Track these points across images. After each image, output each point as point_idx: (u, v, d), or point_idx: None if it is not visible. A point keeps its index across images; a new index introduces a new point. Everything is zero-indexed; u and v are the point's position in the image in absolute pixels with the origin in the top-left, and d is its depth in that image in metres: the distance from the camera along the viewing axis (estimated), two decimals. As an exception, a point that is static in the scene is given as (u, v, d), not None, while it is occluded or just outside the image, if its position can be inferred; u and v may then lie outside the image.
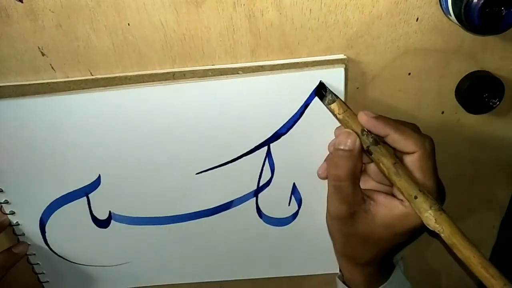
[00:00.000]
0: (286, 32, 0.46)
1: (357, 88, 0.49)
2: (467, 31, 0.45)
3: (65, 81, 0.48)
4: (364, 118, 0.43)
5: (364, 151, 0.43)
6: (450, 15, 0.41)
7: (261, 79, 0.46)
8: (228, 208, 0.54)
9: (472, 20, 0.38)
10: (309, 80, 0.46)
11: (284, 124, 0.48)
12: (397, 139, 0.42)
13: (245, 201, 0.54)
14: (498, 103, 0.47)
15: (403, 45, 0.46)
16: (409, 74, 0.48)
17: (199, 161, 0.51)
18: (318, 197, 0.51)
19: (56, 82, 0.48)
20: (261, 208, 0.54)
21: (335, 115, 0.45)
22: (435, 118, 0.51)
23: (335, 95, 0.45)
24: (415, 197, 0.40)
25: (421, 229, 0.42)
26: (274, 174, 0.52)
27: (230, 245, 0.58)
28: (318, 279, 0.61)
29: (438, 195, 0.42)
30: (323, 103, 0.45)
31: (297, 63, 0.46)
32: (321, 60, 0.46)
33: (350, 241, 0.47)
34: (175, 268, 0.60)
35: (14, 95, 0.48)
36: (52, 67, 0.47)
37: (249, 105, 0.47)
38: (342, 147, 0.43)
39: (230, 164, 0.51)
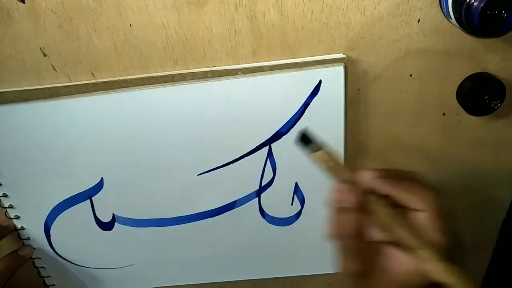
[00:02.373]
0: (288, 34, 0.46)
1: (359, 89, 0.49)
2: (467, 34, 0.45)
3: (66, 86, 0.48)
4: (367, 179, 0.39)
5: None
6: (451, 18, 0.41)
7: (260, 79, 0.46)
8: (231, 209, 0.54)
9: (473, 23, 0.38)
10: (309, 79, 0.46)
11: (284, 124, 0.48)
12: (403, 198, 0.38)
13: (247, 201, 0.54)
14: (499, 105, 0.47)
15: (404, 46, 0.46)
16: (410, 75, 0.48)
17: (201, 162, 0.51)
18: (320, 197, 0.51)
19: (58, 87, 0.48)
20: (264, 208, 0.54)
21: (320, 164, 0.41)
22: (436, 119, 0.51)
23: (320, 143, 0.41)
24: (420, 248, 0.37)
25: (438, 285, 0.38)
26: (276, 174, 0.52)
27: (233, 246, 0.58)
28: (321, 279, 0.61)
29: (448, 246, 0.39)
30: (306, 152, 0.41)
31: (297, 63, 0.46)
32: (321, 60, 0.46)
33: None
34: (179, 270, 0.60)
35: (16, 100, 0.48)
36: (54, 68, 0.47)
37: (249, 106, 0.47)
38: (342, 205, 0.39)
39: (232, 165, 0.51)
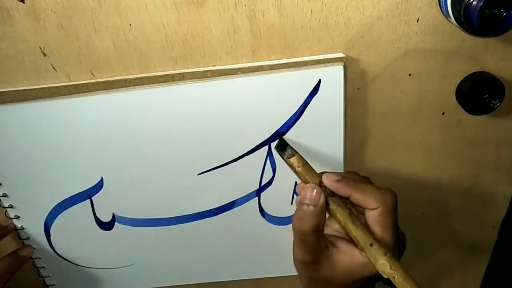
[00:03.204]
0: (287, 33, 0.46)
1: (358, 88, 0.49)
2: (467, 33, 0.45)
3: (66, 85, 0.48)
4: (326, 182, 0.44)
5: None
6: (450, 18, 0.41)
7: (260, 78, 0.46)
8: (231, 208, 0.54)
9: (472, 22, 0.38)
10: (308, 79, 0.46)
11: (284, 123, 0.48)
12: (359, 198, 0.43)
13: (247, 201, 0.54)
14: (498, 104, 0.47)
15: (404, 46, 0.46)
16: (410, 75, 0.48)
17: (201, 162, 0.51)
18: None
19: (57, 87, 0.48)
20: (264, 208, 0.54)
21: (293, 169, 0.47)
22: (436, 119, 0.51)
23: (294, 149, 0.47)
24: (371, 245, 0.42)
25: (376, 277, 0.43)
26: (276, 173, 0.52)
27: (233, 245, 0.58)
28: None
29: (396, 246, 0.44)
30: (282, 157, 0.48)
31: (296, 62, 0.46)
32: (320, 59, 0.46)
33: (314, 283, 0.48)
34: (179, 269, 0.60)
35: (15, 100, 0.48)
36: (54, 67, 0.48)
37: (249, 105, 0.47)
38: (307, 202, 0.44)
39: (231, 164, 0.51)
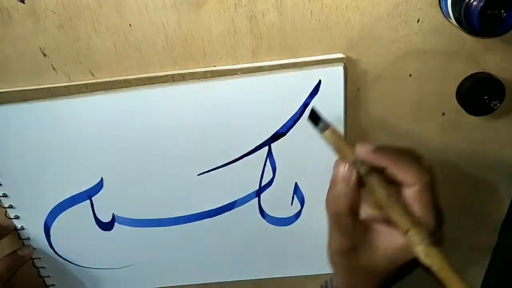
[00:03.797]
0: (287, 34, 0.46)
1: (358, 89, 0.49)
2: (467, 34, 0.45)
3: (65, 86, 0.48)
4: (362, 151, 0.41)
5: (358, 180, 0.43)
6: (450, 18, 0.41)
7: (260, 79, 0.46)
8: (231, 209, 0.54)
9: (472, 23, 0.38)
10: (308, 79, 0.46)
11: (284, 124, 0.48)
12: (396, 172, 0.41)
13: (247, 202, 0.54)
14: (498, 104, 0.47)
15: (404, 46, 0.46)
16: (410, 75, 0.48)
17: (201, 163, 0.51)
18: (320, 196, 0.51)
19: (57, 87, 0.48)
20: (264, 208, 0.54)
21: (328, 143, 0.44)
22: (436, 119, 0.51)
23: (327, 122, 0.44)
24: (408, 231, 0.40)
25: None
26: (276, 174, 0.52)
27: (233, 246, 0.58)
28: (321, 279, 0.61)
29: (437, 226, 0.41)
30: (316, 130, 0.44)
31: (296, 63, 0.46)
32: (320, 60, 0.46)
33: (354, 274, 0.46)
34: (179, 270, 0.60)
35: (16, 100, 0.48)
36: (54, 68, 0.48)
37: (249, 106, 0.47)
38: (340, 180, 0.42)
39: (231, 165, 0.51)
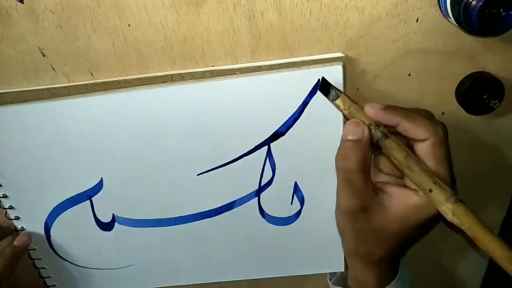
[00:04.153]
0: (286, 33, 0.46)
1: (357, 89, 0.49)
2: (466, 33, 0.45)
3: (65, 86, 0.48)
4: (371, 110, 0.41)
5: (374, 146, 0.42)
6: (449, 18, 0.41)
7: (259, 78, 0.46)
8: (231, 209, 0.54)
9: (471, 22, 0.38)
10: (307, 78, 0.46)
11: (283, 123, 0.48)
12: (408, 127, 0.40)
13: (247, 201, 0.54)
14: (498, 104, 0.47)
15: (403, 46, 0.46)
16: (409, 75, 0.48)
17: (200, 162, 0.51)
18: (320, 196, 0.51)
19: (56, 87, 0.48)
20: (264, 208, 0.54)
21: (341, 111, 0.44)
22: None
23: (338, 90, 0.43)
24: (430, 190, 0.39)
25: (437, 218, 0.40)
26: (276, 173, 0.52)
27: (233, 246, 0.58)
28: (321, 279, 0.61)
29: (455, 181, 0.41)
30: (328, 100, 0.44)
31: (295, 62, 0.46)
32: (319, 59, 0.46)
33: (363, 238, 0.45)
34: (179, 270, 0.60)
35: (15, 101, 0.48)
36: (53, 68, 0.48)
37: (248, 105, 0.47)
38: (350, 137, 0.41)
39: (231, 165, 0.51)
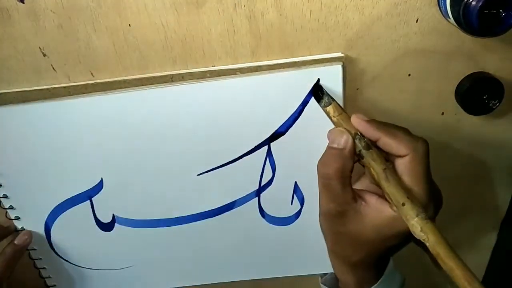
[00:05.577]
0: (287, 33, 0.46)
1: (357, 89, 0.49)
2: (466, 33, 0.45)
3: (65, 86, 0.48)
4: (356, 121, 0.43)
5: (356, 155, 0.43)
6: (449, 18, 0.41)
7: (259, 78, 0.46)
8: (231, 209, 0.54)
9: (471, 22, 0.38)
10: (307, 78, 0.46)
11: (283, 123, 0.48)
12: (388, 142, 0.41)
13: (247, 201, 0.54)
14: (498, 104, 0.47)
15: (403, 46, 0.46)
16: (409, 75, 0.48)
17: (200, 163, 0.51)
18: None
19: (57, 88, 0.48)
20: (264, 208, 0.54)
21: (330, 118, 0.45)
22: (435, 119, 0.51)
23: (331, 97, 0.45)
24: (403, 204, 0.40)
25: (410, 235, 0.41)
26: (276, 173, 0.52)
27: (233, 246, 0.58)
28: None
29: (430, 200, 0.42)
30: (319, 105, 0.45)
31: (295, 62, 0.46)
32: (319, 59, 0.46)
33: (340, 240, 0.46)
34: (179, 271, 0.60)
35: (15, 101, 0.48)
36: (53, 68, 0.48)
37: (248, 105, 0.47)
38: (332, 145, 0.43)
39: (231, 165, 0.51)
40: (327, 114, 0.45)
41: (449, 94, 0.49)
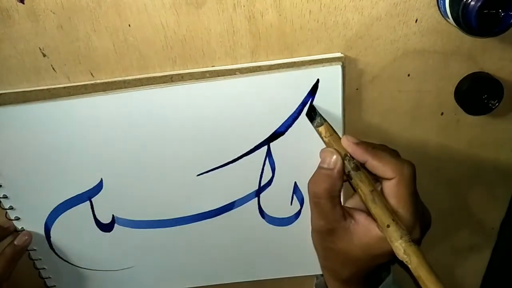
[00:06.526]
0: (286, 33, 0.46)
1: (357, 89, 0.49)
2: (465, 33, 0.45)
3: (65, 87, 0.48)
4: (345, 142, 0.44)
5: (346, 175, 0.44)
6: (448, 18, 0.42)
7: (258, 78, 0.46)
8: (230, 209, 0.54)
9: (470, 22, 0.38)
10: (306, 78, 0.46)
11: (283, 123, 0.48)
12: (375, 165, 0.42)
13: (247, 202, 0.54)
14: (497, 104, 0.47)
15: (402, 46, 0.47)
16: (409, 75, 0.48)
17: (200, 163, 0.51)
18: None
19: (57, 88, 0.48)
20: (263, 208, 0.54)
21: (321, 138, 0.46)
22: (435, 119, 0.51)
23: (323, 118, 0.46)
24: (388, 226, 0.41)
25: (395, 255, 0.42)
26: (275, 173, 0.52)
27: (233, 246, 0.58)
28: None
29: (416, 222, 0.43)
30: (312, 125, 0.47)
31: (295, 62, 0.46)
32: (318, 59, 0.46)
33: (330, 256, 0.47)
34: (179, 271, 0.60)
35: (15, 102, 0.48)
36: (53, 68, 0.48)
37: (247, 105, 0.47)
38: (322, 165, 0.44)
39: (230, 165, 0.51)
40: (319, 134, 0.46)
41: (448, 94, 0.49)
